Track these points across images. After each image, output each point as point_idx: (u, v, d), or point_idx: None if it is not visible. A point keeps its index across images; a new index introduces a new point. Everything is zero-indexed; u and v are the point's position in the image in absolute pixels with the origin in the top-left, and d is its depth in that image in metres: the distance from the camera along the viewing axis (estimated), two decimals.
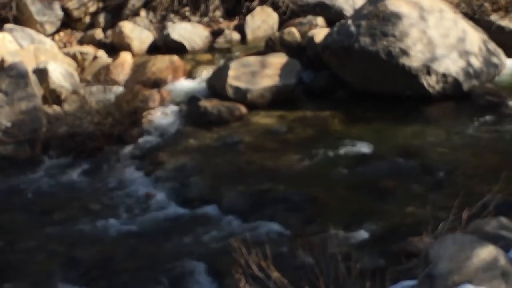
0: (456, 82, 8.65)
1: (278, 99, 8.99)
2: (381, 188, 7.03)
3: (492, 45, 9.11)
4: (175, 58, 10.07)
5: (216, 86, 9.27)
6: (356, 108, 8.72)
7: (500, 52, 9.12)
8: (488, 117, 8.16)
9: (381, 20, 8.95)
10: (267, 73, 9.18)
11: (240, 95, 8.98)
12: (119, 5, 11.19)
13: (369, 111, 8.58)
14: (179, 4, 11.12)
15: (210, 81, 9.51)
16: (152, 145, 8.47)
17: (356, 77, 9.03)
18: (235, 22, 11.10)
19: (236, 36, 10.80)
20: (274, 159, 7.88)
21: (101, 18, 11.21)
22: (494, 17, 9.64)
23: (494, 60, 8.98)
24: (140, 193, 7.48)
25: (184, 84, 9.74)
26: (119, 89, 9.48)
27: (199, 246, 6.44)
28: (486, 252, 4.37)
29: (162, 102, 9.26)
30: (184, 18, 11.09)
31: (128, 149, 8.41)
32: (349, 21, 9.23)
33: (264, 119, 8.78)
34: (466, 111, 8.46)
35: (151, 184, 7.64)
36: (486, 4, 9.73)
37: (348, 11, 10.53)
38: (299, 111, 8.86)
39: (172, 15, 11.08)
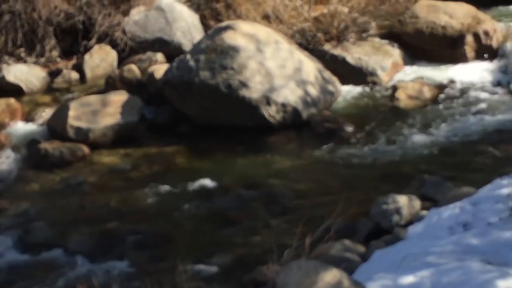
0: (295, 111, 8.87)
1: (121, 137, 8.90)
2: (228, 220, 7.08)
3: (327, 74, 9.42)
4: (12, 101, 9.78)
5: (57, 127, 9.07)
6: (200, 142, 8.77)
7: (335, 80, 9.43)
8: (327, 143, 8.41)
9: (220, 53, 9.06)
10: (108, 111, 9.08)
11: (82, 135, 8.84)
12: None
13: (212, 144, 8.65)
14: (13, 46, 10.82)
15: (50, 123, 9.30)
16: None
17: (198, 111, 9.09)
18: (73, 61, 10.92)
19: (75, 75, 10.63)
20: (120, 197, 7.78)
21: None
22: (327, 47, 9.98)
23: (330, 88, 9.27)
24: None
25: (23, 127, 9.47)
26: None
27: None
28: (330, 276, 4.46)
29: (0, 147, 8.95)
30: (19, 59, 10.80)
31: None
32: (188, 56, 9.30)
33: (107, 158, 8.67)
34: (306, 138, 8.69)
35: None
36: (319, 35, 10.06)
37: (187, 46, 10.62)
38: (143, 148, 8.81)
39: (6, 57, 10.76)
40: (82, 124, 8.89)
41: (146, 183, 7.97)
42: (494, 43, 9.95)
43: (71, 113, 9.01)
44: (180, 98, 9.18)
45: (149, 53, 10.68)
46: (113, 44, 10.78)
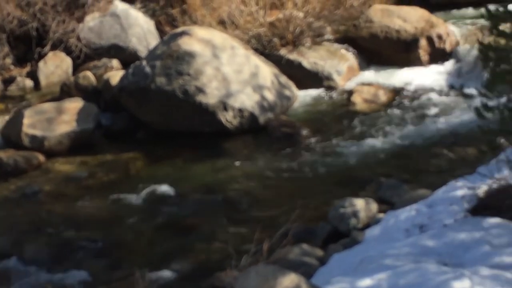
0: (252, 116, 8.87)
1: (77, 144, 8.84)
2: (186, 227, 7.06)
3: (284, 79, 9.44)
4: None
5: (11, 136, 8.97)
6: (157, 148, 8.73)
7: (291, 84, 9.46)
8: (284, 148, 8.44)
9: (176, 59, 9.04)
10: (63, 119, 9.01)
11: (37, 143, 8.75)
12: None
13: (169, 150, 8.62)
14: None
15: (4, 131, 9.19)
16: None
17: (155, 117, 9.06)
18: (27, 68, 10.81)
19: (29, 83, 10.53)
20: (76, 206, 7.71)
21: None
22: (283, 52, 10.01)
23: (287, 92, 9.30)
24: None
25: None
26: None
27: None
28: (289, 281, 4.47)
29: None
30: None
31: None
32: (144, 62, 9.25)
33: (63, 166, 8.59)
34: (263, 143, 8.70)
35: None
36: (275, 40, 10.09)
37: (143, 52, 10.59)
38: (99, 155, 8.75)
39: None
40: (37, 132, 8.80)
41: (103, 190, 7.91)
42: (448, 47, 10.06)
43: (26, 121, 8.92)
44: (136, 105, 9.13)
45: (104, 60, 10.62)
46: (68, 51, 10.69)
